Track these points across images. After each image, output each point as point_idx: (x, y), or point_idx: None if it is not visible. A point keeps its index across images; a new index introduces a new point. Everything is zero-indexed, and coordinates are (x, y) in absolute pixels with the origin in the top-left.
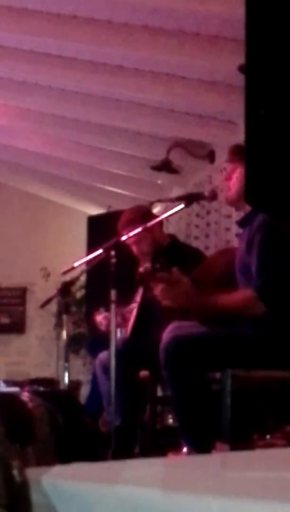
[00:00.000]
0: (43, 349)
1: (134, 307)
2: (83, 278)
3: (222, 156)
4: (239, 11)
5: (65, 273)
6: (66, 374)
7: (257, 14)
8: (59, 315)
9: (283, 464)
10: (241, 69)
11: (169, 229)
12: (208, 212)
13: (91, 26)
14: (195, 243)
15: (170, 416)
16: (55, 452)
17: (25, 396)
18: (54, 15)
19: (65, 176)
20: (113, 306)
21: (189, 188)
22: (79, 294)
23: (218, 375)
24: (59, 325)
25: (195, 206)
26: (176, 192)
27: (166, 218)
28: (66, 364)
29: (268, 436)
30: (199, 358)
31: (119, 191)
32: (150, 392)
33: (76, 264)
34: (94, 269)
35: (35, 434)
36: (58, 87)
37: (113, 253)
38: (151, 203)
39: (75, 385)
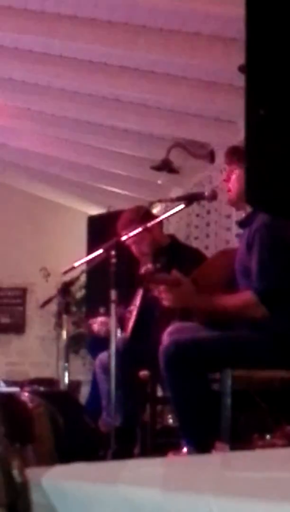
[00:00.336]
0: (43, 349)
1: (134, 308)
2: (83, 278)
3: (222, 156)
4: (239, 11)
5: (65, 273)
6: (66, 374)
7: (257, 14)
8: (59, 315)
9: (283, 464)
10: (241, 69)
11: (169, 229)
12: (208, 212)
13: (91, 26)
14: (195, 243)
15: (170, 416)
16: (55, 452)
17: (25, 396)
18: (54, 15)
19: (65, 176)
20: (113, 306)
21: (189, 188)
22: (79, 294)
23: (218, 375)
24: (59, 325)
25: (195, 206)
26: (176, 192)
27: (166, 218)
28: (66, 364)
29: (268, 436)
30: (198, 362)
31: (119, 191)
32: (150, 392)
33: (76, 264)
34: (94, 269)
35: (35, 434)
36: (58, 87)
37: (113, 253)
38: (151, 203)
39: (75, 385)
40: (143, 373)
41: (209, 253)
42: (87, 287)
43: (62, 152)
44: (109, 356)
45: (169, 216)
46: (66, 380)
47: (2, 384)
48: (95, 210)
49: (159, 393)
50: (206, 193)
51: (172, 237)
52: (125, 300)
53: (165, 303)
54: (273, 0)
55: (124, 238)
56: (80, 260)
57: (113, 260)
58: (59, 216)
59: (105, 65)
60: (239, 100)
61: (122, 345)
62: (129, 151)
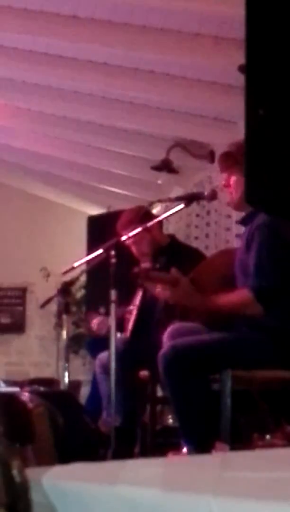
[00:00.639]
0: (43, 349)
1: (134, 308)
2: (83, 278)
3: None
4: (239, 11)
5: (65, 273)
6: (66, 374)
7: (257, 14)
8: (59, 315)
9: (283, 464)
10: (241, 69)
11: (169, 229)
12: (208, 212)
13: (91, 26)
14: (195, 243)
15: (170, 416)
16: (55, 452)
17: (25, 396)
18: (54, 15)
19: (65, 176)
20: (113, 306)
21: (189, 188)
22: (79, 294)
23: (218, 375)
24: (59, 325)
25: (195, 206)
26: (176, 192)
27: (166, 218)
28: (66, 364)
29: (268, 436)
30: (197, 365)
31: (119, 191)
32: (150, 392)
33: (76, 264)
34: (94, 269)
35: (35, 434)
36: (58, 87)
37: (113, 253)
38: (151, 203)
39: (75, 385)
40: (143, 373)
41: (209, 253)
42: (87, 287)
43: (62, 152)
44: (109, 356)
45: (169, 216)
46: (66, 380)
47: (2, 384)
48: (95, 210)
49: (159, 393)
50: (206, 193)
51: (171, 237)
52: (125, 300)
53: (166, 300)
54: (273, 0)
55: (124, 238)
56: (80, 260)
57: (113, 260)
58: (59, 216)
59: (105, 65)
60: (239, 100)
61: (122, 345)
62: (129, 151)
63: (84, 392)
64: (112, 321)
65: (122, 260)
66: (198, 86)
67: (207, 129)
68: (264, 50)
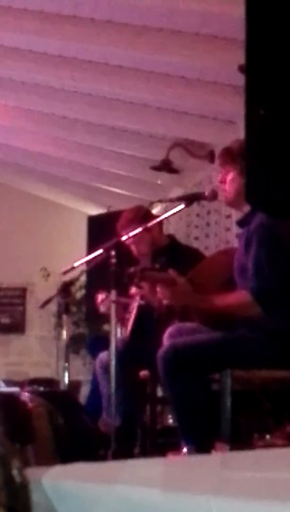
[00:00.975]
0: (43, 349)
1: (134, 308)
2: (83, 278)
3: None
4: (239, 11)
5: (65, 273)
6: (66, 374)
7: (257, 14)
8: (59, 315)
9: (283, 464)
10: (241, 69)
11: (169, 229)
12: (208, 212)
13: (91, 26)
14: (195, 244)
15: (170, 416)
16: (55, 452)
17: (25, 396)
18: (54, 15)
19: (65, 176)
20: (113, 306)
21: (189, 188)
22: (79, 294)
23: (218, 375)
24: (59, 325)
25: (195, 206)
26: (176, 192)
27: (166, 218)
28: (66, 364)
29: (268, 436)
30: (197, 365)
31: (119, 191)
32: (150, 392)
33: (76, 264)
34: (94, 269)
35: (35, 434)
36: (58, 87)
37: (113, 253)
38: (151, 203)
39: (75, 385)
40: (143, 373)
41: (209, 253)
42: (87, 287)
43: (62, 152)
44: (109, 356)
45: (169, 216)
46: (66, 380)
47: (2, 384)
48: (95, 210)
49: (159, 393)
50: (206, 193)
51: (171, 238)
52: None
53: (165, 301)
54: (273, 0)
55: (124, 238)
56: (80, 260)
57: (113, 260)
58: (59, 216)
59: (105, 65)
60: (239, 100)
61: (122, 345)
62: (129, 151)
63: (84, 392)
64: (112, 321)
65: (122, 260)
66: (198, 86)
67: (207, 129)
68: (264, 50)
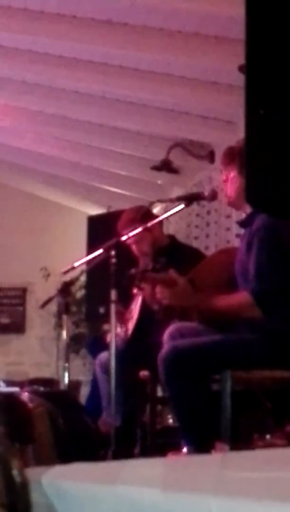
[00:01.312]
0: (43, 349)
1: (135, 308)
2: (83, 278)
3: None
4: (239, 11)
5: (65, 273)
6: (66, 374)
7: (257, 14)
8: (59, 315)
9: (283, 464)
10: (241, 69)
11: (169, 229)
12: (208, 212)
13: (91, 26)
14: (195, 243)
15: (170, 416)
16: (55, 452)
17: (25, 396)
18: (54, 15)
19: (65, 176)
20: (113, 306)
21: (189, 188)
22: (79, 294)
23: (218, 375)
24: (59, 325)
25: (195, 206)
26: (176, 192)
27: (166, 218)
28: (66, 364)
29: (268, 436)
30: (198, 366)
31: (119, 191)
32: (150, 392)
33: (76, 264)
34: (94, 269)
35: (35, 434)
36: (58, 87)
37: (113, 253)
38: (151, 203)
39: (75, 385)
40: (143, 373)
41: (209, 253)
42: (87, 287)
43: (62, 152)
44: (109, 356)
45: (169, 216)
46: (66, 380)
47: (2, 384)
48: (95, 210)
49: (159, 393)
50: (206, 193)
51: (172, 238)
52: (125, 300)
53: (164, 302)
54: (273, 0)
55: (124, 238)
56: (80, 260)
57: (113, 260)
58: (59, 216)
59: (105, 65)
60: (239, 100)
61: (122, 345)
62: (129, 151)
63: (84, 392)
64: (112, 321)
65: (122, 260)
66: (198, 86)
67: (207, 129)
68: (264, 50)
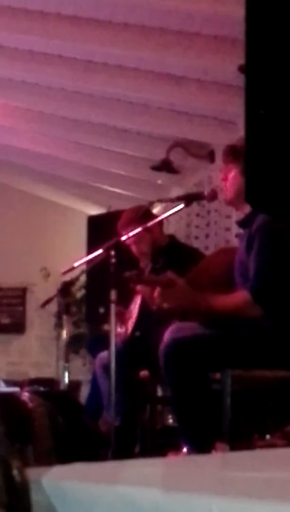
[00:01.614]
0: (43, 349)
1: (134, 308)
2: (83, 278)
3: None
4: (239, 11)
5: (65, 273)
6: (66, 374)
7: (257, 14)
8: (59, 315)
9: (283, 464)
10: (241, 69)
11: (169, 229)
12: (208, 212)
13: (91, 26)
14: (195, 243)
15: (170, 416)
16: (55, 452)
17: (25, 396)
18: (54, 15)
19: (65, 176)
20: (113, 306)
21: (189, 188)
22: (79, 294)
23: (218, 375)
24: (59, 325)
25: (195, 206)
26: (176, 192)
27: (166, 218)
28: (66, 364)
29: (268, 436)
30: (198, 360)
31: (119, 191)
32: (150, 392)
33: (76, 264)
34: (94, 269)
35: (35, 434)
36: (58, 87)
37: (113, 253)
38: (151, 203)
39: (75, 385)
40: (143, 373)
41: (209, 253)
42: (87, 287)
43: (62, 152)
44: (109, 356)
45: (169, 216)
46: (66, 380)
47: (2, 384)
48: (95, 210)
49: (159, 393)
50: (206, 193)
51: (171, 237)
52: (125, 300)
53: (163, 305)
54: (273, 0)
55: (124, 238)
56: (80, 260)
57: (113, 260)
58: (59, 216)
59: (105, 65)
60: (239, 100)
61: (122, 345)
62: (129, 151)
63: (84, 392)
64: (112, 321)
65: (122, 260)
66: (198, 86)
67: (207, 129)
68: (264, 50)
